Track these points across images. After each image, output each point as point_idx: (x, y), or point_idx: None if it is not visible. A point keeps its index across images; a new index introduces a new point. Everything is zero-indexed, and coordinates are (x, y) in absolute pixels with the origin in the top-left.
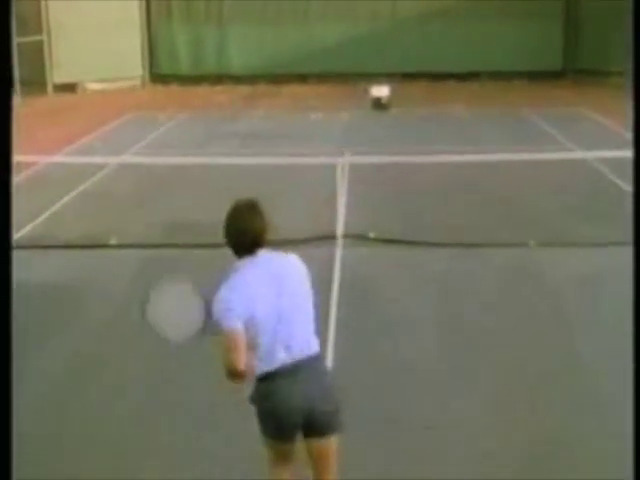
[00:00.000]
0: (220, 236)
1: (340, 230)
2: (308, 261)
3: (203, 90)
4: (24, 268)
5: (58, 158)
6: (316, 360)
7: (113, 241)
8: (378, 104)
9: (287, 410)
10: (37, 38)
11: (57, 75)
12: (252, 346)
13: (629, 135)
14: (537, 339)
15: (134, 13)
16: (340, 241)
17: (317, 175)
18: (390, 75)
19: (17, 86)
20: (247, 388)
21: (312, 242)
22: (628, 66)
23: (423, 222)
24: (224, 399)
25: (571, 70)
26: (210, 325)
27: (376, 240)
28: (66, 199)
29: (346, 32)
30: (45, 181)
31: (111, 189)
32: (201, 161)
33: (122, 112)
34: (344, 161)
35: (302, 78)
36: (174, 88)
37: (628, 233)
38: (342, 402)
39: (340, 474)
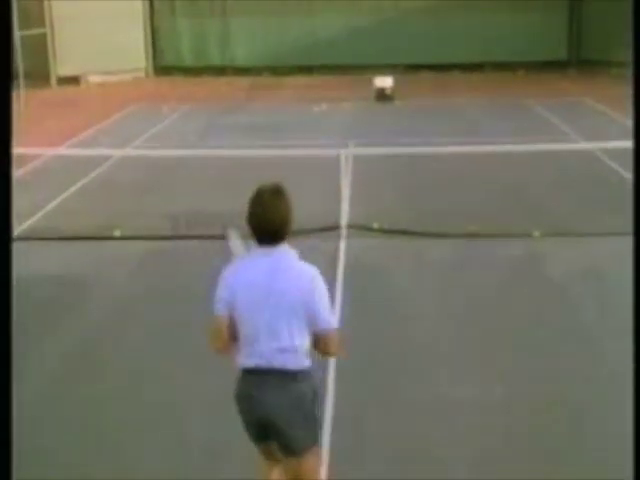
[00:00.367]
0: (224, 227)
1: (344, 221)
2: (312, 252)
3: (206, 82)
4: (28, 260)
5: (62, 150)
6: (287, 377)
7: (117, 233)
8: (382, 95)
9: (248, 413)
10: (40, 31)
11: (60, 68)
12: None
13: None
14: (541, 329)
15: (137, 5)
16: (344, 232)
17: (321, 166)
18: (394, 66)
19: (21, 79)
20: None
21: (316, 233)
22: (628, 58)
23: (427, 212)
24: (224, 395)
25: (575, 60)
26: None
27: (380, 231)
28: (70, 191)
29: (350, 23)
30: (49, 173)
31: (115, 181)
32: (204, 153)
33: (125, 104)
34: (348, 152)
35: (305, 70)
36: (177, 80)
37: (631, 223)
38: (313, 428)
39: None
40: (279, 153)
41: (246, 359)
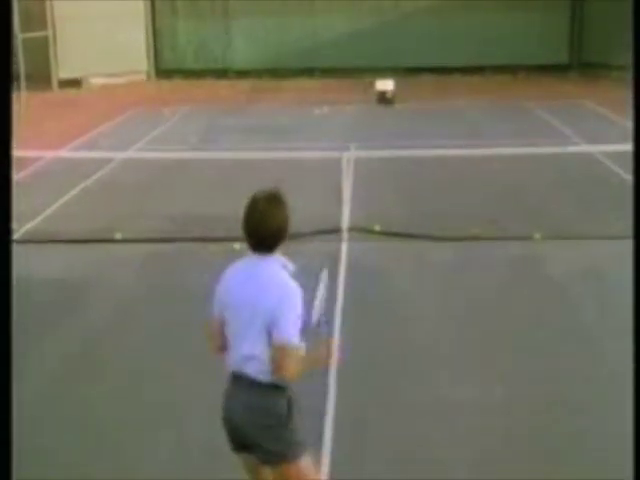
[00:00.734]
0: (224, 230)
1: (345, 223)
2: (314, 254)
3: (208, 84)
4: (29, 263)
5: (63, 153)
6: (255, 386)
7: (118, 236)
8: (383, 98)
9: (223, 421)
10: (42, 33)
11: (62, 70)
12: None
13: None
14: (541, 330)
15: (139, 8)
16: (345, 234)
17: (322, 169)
18: (395, 69)
19: (22, 81)
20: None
21: (318, 235)
22: (628, 61)
23: (428, 215)
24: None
25: (576, 63)
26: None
27: (381, 233)
28: (71, 194)
29: (351, 26)
30: (50, 176)
31: (116, 183)
32: (206, 155)
33: (127, 107)
34: (349, 155)
35: (307, 72)
36: (179, 82)
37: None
38: (288, 441)
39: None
40: (280, 155)
41: (227, 364)
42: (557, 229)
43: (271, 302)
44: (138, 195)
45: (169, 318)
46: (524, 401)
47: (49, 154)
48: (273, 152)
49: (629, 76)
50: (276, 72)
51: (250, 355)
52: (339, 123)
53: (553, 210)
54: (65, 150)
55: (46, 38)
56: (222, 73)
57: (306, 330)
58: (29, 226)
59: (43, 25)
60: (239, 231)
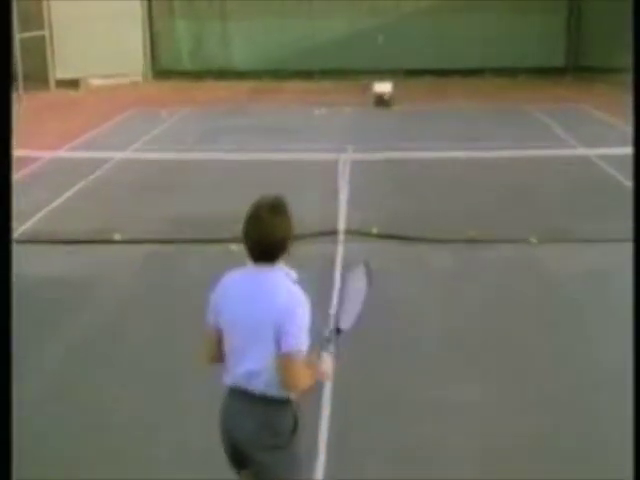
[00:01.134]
0: (223, 231)
1: (342, 225)
2: (310, 257)
3: (206, 85)
4: (27, 263)
5: (61, 153)
6: (255, 401)
7: (117, 236)
8: (381, 100)
9: (221, 436)
10: (39, 33)
11: (59, 71)
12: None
13: (630, 131)
14: (539, 333)
15: (136, 8)
16: (342, 236)
17: (320, 170)
18: (393, 71)
19: (19, 82)
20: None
21: (314, 237)
22: (628, 63)
23: (425, 218)
24: None
25: (574, 67)
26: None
27: (378, 236)
28: (69, 194)
29: (349, 28)
30: (47, 176)
31: (114, 184)
32: (204, 156)
33: (125, 107)
34: (346, 157)
35: (305, 74)
36: (177, 83)
37: (629, 230)
38: (288, 462)
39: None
40: (278, 157)
41: (225, 377)
42: (553, 232)
43: (278, 313)
44: (136, 196)
45: (167, 318)
46: (523, 401)
47: (46, 154)
48: (271, 153)
49: (629, 78)
50: (274, 73)
51: (257, 370)
52: (337, 125)
53: (549, 213)
54: (63, 150)
55: (43, 38)
56: (220, 74)
57: (316, 340)
58: (26, 226)
59: (40, 25)
60: (236, 232)
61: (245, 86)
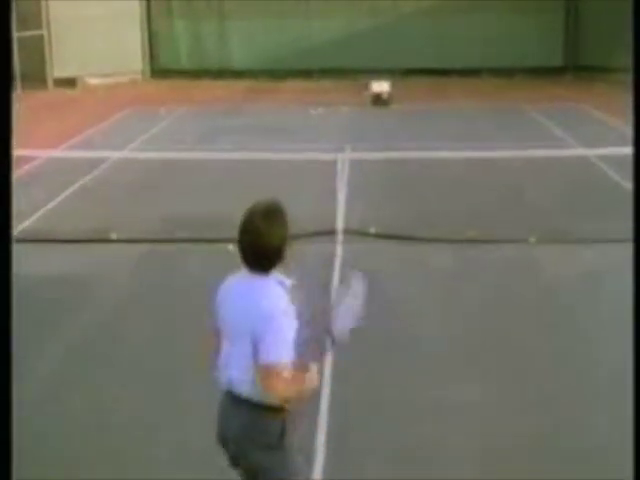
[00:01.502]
0: (221, 231)
1: (340, 225)
2: (309, 256)
3: (204, 84)
4: (24, 262)
5: (58, 152)
6: (243, 405)
7: (113, 236)
8: (378, 100)
9: (218, 433)
10: (37, 32)
11: (57, 69)
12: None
13: (629, 132)
14: (538, 333)
15: (135, 7)
16: (340, 236)
17: (317, 170)
18: (391, 71)
19: (17, 80)
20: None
21: (312, 237)
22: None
23: (423, 217)
24: None
25: (572, 66)
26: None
27: (376, 235)
28: (66, 193)
29: (347, 27)
30: (45, 175)
31: (111, 184)
32: (201, 156)
33: (123, 107)
34: (344, 156)
35: (303, 73)
36: (175, 82)
37: (627, 230)
38: (279, 467)
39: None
40: (276, 156)
41: (220, 381)
42: (552, 233)
43: (259, 322)
44: (133, 195)
45: (166, 318)
46: (522, 401)
47: (44, 153)
48: (269, 153)
49: (628, 77)
50: (272, 73)
51: (241, 375)
52: (335, 124)
53: (548, 213)
54: (60, 149)
55: (41, 37)
56: (218, 74)
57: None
58: (24, 225)
59: (38, 24)
60: (234, 232)
61: (243, 85)
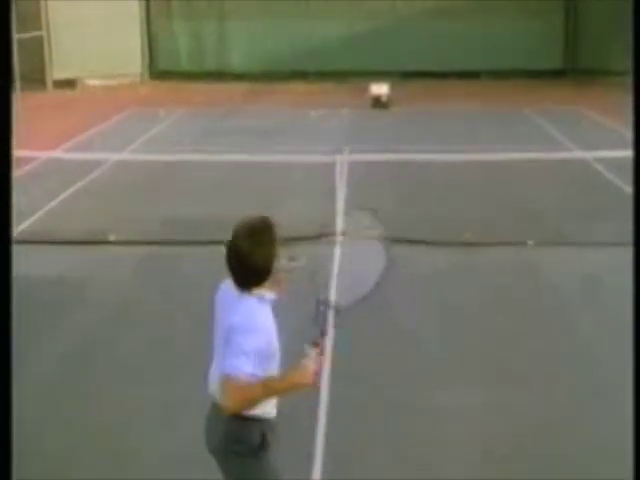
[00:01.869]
0: (220, 232)
1: (339, 227)
2: (307, 259)
3: (203, 86)
4: (22, 264)
5: (57, 154)
6: (222, 413)
7: (112, 237)
8: (378, 102)
9: (205, 440)
10: (37, 34)
11: (57, 71)
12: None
13: (628, 134)
14: (535, 337)
15: (134, 9)
16: (339, 238)
17: (316, 172)
18: (390, 73)
19: (17, 82)
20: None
21: (311, 239)
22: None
23: (421, 220)
24: None
25: (571, 69)
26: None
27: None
28: (65, 195)
29: (346, 30)
30: (44, 177)
31: (110, 185)
32: (200, 157)
33: (122, 108)
34: (343, 159)
35: (302, 75)
36: (174, 84)
37: (625, 233)
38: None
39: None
40: (275, 158)
41: (208, 390)
42: (550, 235)
43: (229, 332)
44: (132, 196)
45: (163, 319)
46: (521, 403)
47: (43, 154)
48: (268, 155)
49: (627, 80)
50: (271, 75)
51: (218, 384)
52: (334, 126)
53: (547, 216)
54: (59, 151)
55: (41, 38)
56: (217, 75)
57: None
58: (23, 227)
59: (38, 25)
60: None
61: (242, 87)
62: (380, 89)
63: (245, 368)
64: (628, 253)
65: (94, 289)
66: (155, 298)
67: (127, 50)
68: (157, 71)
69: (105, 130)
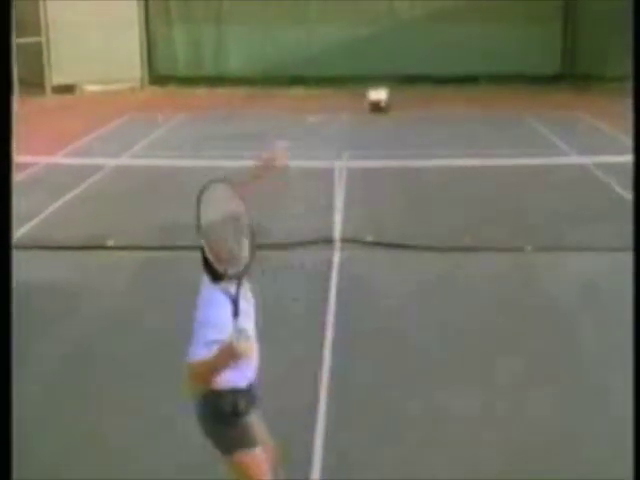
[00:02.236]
0: None
1: (338, 233)
2: (306, 264)
3: (201, 92)
4: (20, 269)
5: (56, 159)
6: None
7: (110, 242)
8: (376, 107)
9: None
10: (36, 39)
11: (56, 76)
12: None
13: (626, 140)
14: (534, 341)
15: (133, 14)
16: (337, 244)
17: (315, 178)
18: (389, 78)
19: (16, 87)
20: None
21: (310, 245)
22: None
23: (420, 226)
24: None
25: (569, 74)
26: None
27: (373, 244)
28: (64, 200)
29: (345, 35)
30: (43, 182)
31: (109, 190)
32: (199, 163)
33: (120, 113)
34: (342, 164)
35: (300, 80)
36: (172, 89)
37: (624, 238)
38: (223, 443)
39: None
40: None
41: None
42: (549, 241)
43: (194, 322)
44: (131, 202)
45: (161, 325)
46: (520, 406)
47: (42, 160)
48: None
49: (625, 85)
50: (270, 80)
51: None
52: (332, 132)
53: (545, 221)
54: (58, 156)
55: (40, 44)
56: (216, 80)
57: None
58: (21, 232)
59: (37, 31)
60: None
61: (241, 92)
62: (379, 94)
63: (198, 354)
64: (627, 258)
65: (92, 294)
66: (154, 303)
67: (126, 55)
68: (156, 76)
69: (104, 135)
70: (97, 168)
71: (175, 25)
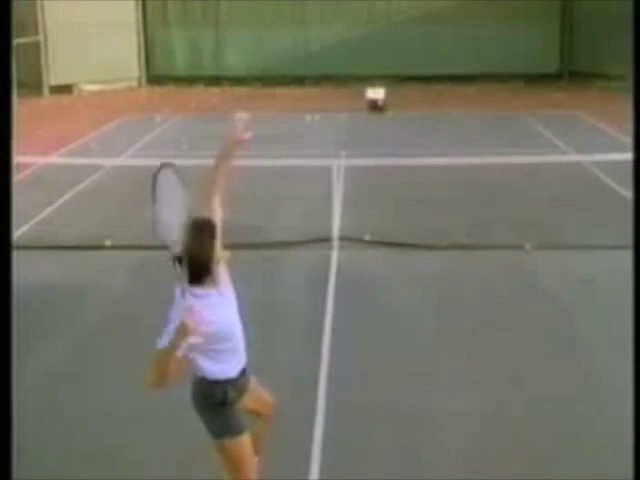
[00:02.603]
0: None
1: (336, 232)
2: (304, 263)
3: (199, 92)
4: (19, 269)
5: (54, 159)
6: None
7: (108, 243)
8: (374, 107)
9: None
10: (33, 39)
11: (53, 76)
12: None
13: (624, 138)
14: (533, 339)
15: (130, 14)
16: (336, 243)
17: (313, 177)
18: (387, 77)
19: (14, 87)
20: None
21: (308, 244)
22: (623, 70)
23: (418, 224)
24: None
25: (567, 73)
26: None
27: (372, 242)
28: (62, 200)
29: (342, 34)
30: (41, 182)
31: (107, 190)
32: (197, 163)
33: (118, 113)
34: (340, 163)
35: (298, 80)
36: (170, 89)
37: (622, 236)
38: (211, 428)
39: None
40: (271, 163)
41: None
42: (548, 239)
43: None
44: (128, 202)
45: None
46: (520, 406)
47: (40, 160)
48: (264, 159)
49: (623, 84)
50: (267, 80)
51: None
52: (330, 131)
53: (544, 220)
54: (56, 156)
55: (37, 44)
56: (214, 80)
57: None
58: (19, 232)
59: (35, 31)
60: (228, 239)
61: (239, 92)
62: (377, 93)
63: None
64: (626, 256)
65: (91, 294)
66: (152, 303)
67: (124, 55)
68: (154, 76)
69: (102, 135)
70: (95, 168)
71: (173, 25)
